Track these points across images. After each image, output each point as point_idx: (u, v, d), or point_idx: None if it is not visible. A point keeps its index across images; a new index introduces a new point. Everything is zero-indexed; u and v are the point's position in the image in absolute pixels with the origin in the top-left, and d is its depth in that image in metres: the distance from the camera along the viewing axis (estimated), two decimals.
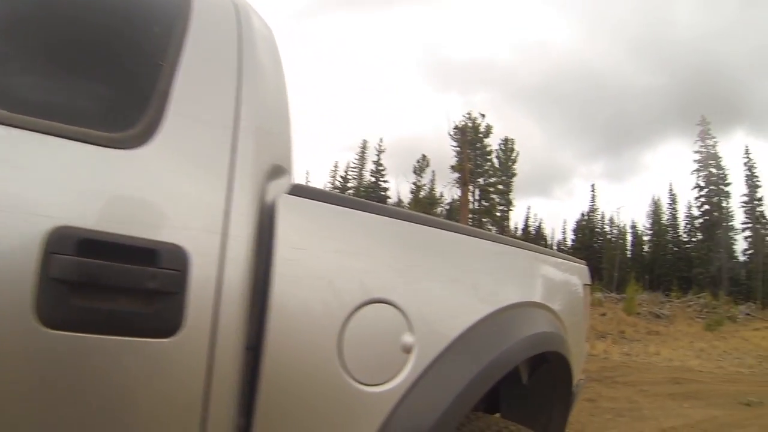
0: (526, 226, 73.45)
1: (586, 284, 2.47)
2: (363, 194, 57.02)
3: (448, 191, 54.03)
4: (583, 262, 2.65)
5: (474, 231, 1.54)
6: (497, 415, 2.09)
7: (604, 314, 21.10)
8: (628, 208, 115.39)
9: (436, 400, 1.18)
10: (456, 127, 41.35)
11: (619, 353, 13.30)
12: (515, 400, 2.05)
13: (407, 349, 1.15)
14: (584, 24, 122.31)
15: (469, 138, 47.58)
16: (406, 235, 1.29)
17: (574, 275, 2.30)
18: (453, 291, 1.35)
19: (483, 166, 52.95)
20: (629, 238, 65.89)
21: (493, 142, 55.28)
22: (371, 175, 61.14)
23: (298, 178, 1.36)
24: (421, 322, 1.19)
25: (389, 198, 57.58)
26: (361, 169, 64.04)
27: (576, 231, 66.27)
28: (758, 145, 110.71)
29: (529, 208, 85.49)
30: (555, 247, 67.93)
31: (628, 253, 63.99)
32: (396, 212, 1.29)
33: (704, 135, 52.32)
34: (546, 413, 2.06)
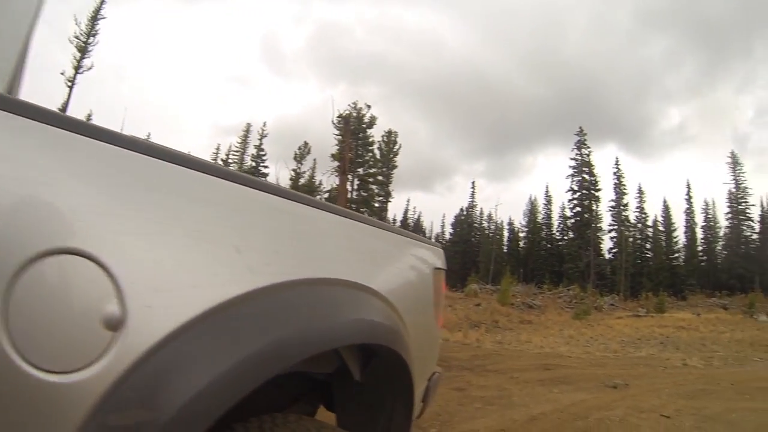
0: (405, 218, 77.80)
1: (439, 269, 2.19)
2: None
3: (327, 179, 53.84)
4: (438, 245, 2.46)
5: (248, 179, 1.10)
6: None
7: (478, 305, 20.94)
8: (505, 206, 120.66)
9: (162, 396, 0.82)
10: (340, 116, 39.45)
11: (491, 342, 13.08)
12: (351, 398, 1.82)
13: (112, 325, 0.78)
14: (479, 30, 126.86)
15: (352, 127, 46.57)
16: (125, 166, 0.87)
17: (424, 258, 2.05)
18: (198, 250, 0.94)
19: (364, 156, 54.14)
20: (506, 234, 71.70)
21: (376, 134, 56.55)
22: (251, 160, 61.35)
23: None
24: (139, 287, 0.81)
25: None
26: (243, 153, 63.19)
27: (455, 225, 70.78)
28: (626, 159, 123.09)
29: (408, 201, 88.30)
30: (433, 239, 70.74)
31: (505, 248, 70.11)
32: (112, 136, 0.86)
33: (580, 144, 58.75)
34: (386, 413, 1.76)
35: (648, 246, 59.89)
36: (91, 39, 37.41)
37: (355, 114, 49.16)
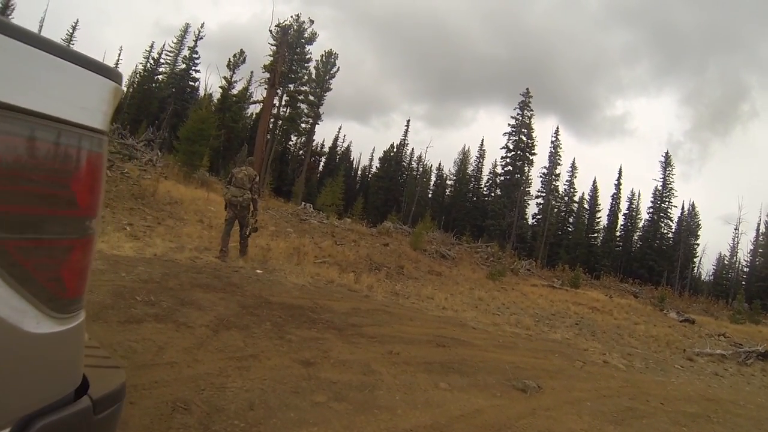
0: (334, 145, 78.87)
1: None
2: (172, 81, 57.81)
3: (256, 90, 54.54)
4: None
5: None
6: None
7: (386, 245, 19.58)
8: (438, 153, 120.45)
9: None
10: (278, 25, 35.90)
11: (386, 292, 11.20)
12: None
13: None
14: None
15: (290, 40, 44.96)
16: None
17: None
18: None
19: (298, 72, 50.51)
20: (433, 179, 72.48)
21: (315, 52, 56.50)
22: (183, 62, 60.15)
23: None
24: None
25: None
26: (177, 55, 61.35)
27: (383, 161, 70.74)
28: (565, 134, 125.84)
29: (340, 128, 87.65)
30: (359, 173, 70.81)
31: (430, 193, 71.19)
32: None
33: (524, 105, 58.90)
34: None
35: (571, 220, 62.77)
36: None
37: (296, 26, 46.52)
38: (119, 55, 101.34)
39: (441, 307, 10.66)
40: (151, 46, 65.23)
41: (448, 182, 70.36)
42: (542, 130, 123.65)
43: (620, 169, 61.90)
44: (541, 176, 60.12)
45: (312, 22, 51.24)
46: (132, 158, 22.01)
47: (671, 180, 59.15)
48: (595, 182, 62.53)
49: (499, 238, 46.59)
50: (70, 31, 65.02)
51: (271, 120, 46.30)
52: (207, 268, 8.60)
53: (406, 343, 6.54)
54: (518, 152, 58.38)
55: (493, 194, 62.30)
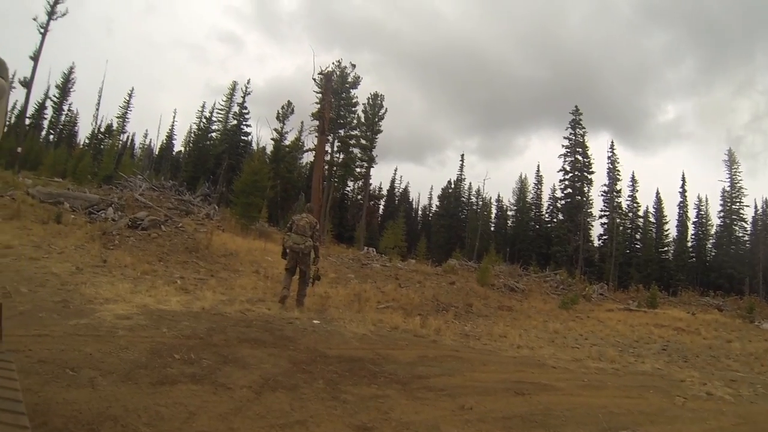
0: (392, 186, 78.51)
1: None
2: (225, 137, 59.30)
3: (307, 139, 53.56)
4: None
5: None
6: None
7: (453, 283, 18.47)
8: (495, 185, 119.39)
9: None
10: (321, 73, 35.98)
11: (455, 334, 10.09)
12: None
13: None
14: (478, 4, 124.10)
15: (335, 86, 44.94)
16: None
17: None
18: None
19: (347, 117, 51.09)
20: (494, 211, 70.90)
21: (362, 96, 56.45)
22: (234, 118, 61.32)
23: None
24: None
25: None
26: (227, 112, 62.73)
27: (441, 198, 70.09)
28: (620, 148, 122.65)
29: (396, 170, 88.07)
30: (419, 213, 70.70)
31: (492, 226, 69.22)
32: None
33: (575, 124, 56.99)
34: None
35: (638, 237, 58.59)
36: None
37: (338, 72, 47.23)
38: (174, 117, 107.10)
39: (515, 346, 9.57)
40: (203, 106, 67.65)
41: (509, 213, 69.01)
42: (597, 147, 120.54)
43: (683, 175, 58.65)
44: (602, 195, 57.06)
45: (354, 66, 50.99)
46: (189, 213, 22.16)
47: (739, 178, 55.33)
48: (658, 193, 59.15)
49: (567, 264, 44.45)
50: (127, 98, 68.58)
51: (326, 167, 46.37)
52: (258, 321, 7.97)
53: (480, 393, 5.72)
54: (576, 173, 55.74)
55: (555, 220, 59.84)
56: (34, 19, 34.50)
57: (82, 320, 6.22)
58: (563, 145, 57.24)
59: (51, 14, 34.99)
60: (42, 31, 34.82)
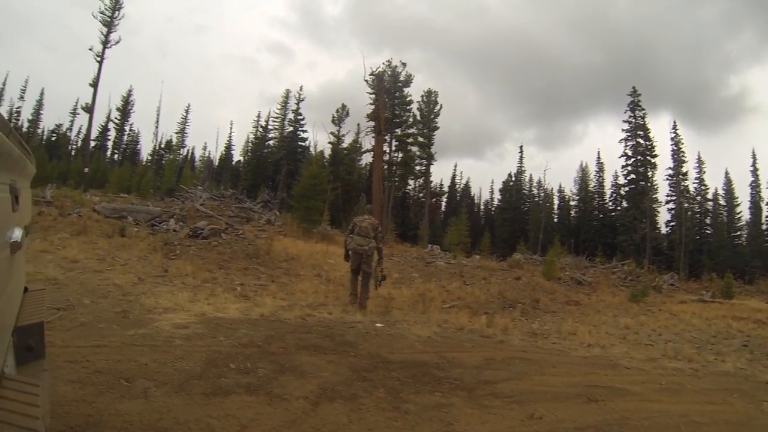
0: (453, 183, 77.54)
1: None
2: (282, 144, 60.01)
3: (364, 140, 56.16)
4: None
5: None
6: None
7: (518, 278, 17.70)
8: (556, 175, 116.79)
9: None
10: (372, 73, 35.89)
11: (523, 333, 9.65)
12: None
13: None
14: None
15: (387, 86, 44.81)
16: None
17: None
18: None
19: (402, 116, 52.27)
20: (556, 202, 68.91)
21: (415, 94, 56.51)
22: (290, 125, 61.62)
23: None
24: None
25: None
26: (283, 119, 64.39)
27: (503, 192, 69.01)
28: (682, 128, 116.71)
29: (456, 166, 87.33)
30: (482, 208, 70.29)
31: (555, 217, 67.24)
32: None
33: (634, 106, 53.86)
34: None
35: (708, 221, 55.23)
36: (116, 13, 37.30)
37: (389, 72, 47.10)
38: (231, 128, 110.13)
39: (585, 345, 9.03)
40: (258, 116, 68.97)
41: (572, 203, 66.94)
42: (658, 129, 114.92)
43: (753, 152, 54.86)
44: (667, 179, 53.62)
45: (404, 64, 50.94)
46: (249, 220, 22.40)
47: None
48: (727, 174, 55.69)
49: (634, 254, 42.33)
50: (184, 114, 71.58)
51: (385, 166, 46.17)
52: (318, 327, 7.78)
53: (550, 400, 5.34)
54: (638, 157, 52.84)
55: (619, 208, 57.35)
56: (90, 49, 36.10)
57: (140, 330, 6.22)
58: (623, 129, 54.26)
59: (105, 43, 36.49)
60: (98, 59, 36.24)
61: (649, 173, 52.70)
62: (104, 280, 9.41)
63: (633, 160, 53.45)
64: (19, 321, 2.05)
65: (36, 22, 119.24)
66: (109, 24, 36.97)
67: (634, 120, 53.66)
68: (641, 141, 53.11)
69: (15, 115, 68.05)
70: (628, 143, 53.89)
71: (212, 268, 12.50)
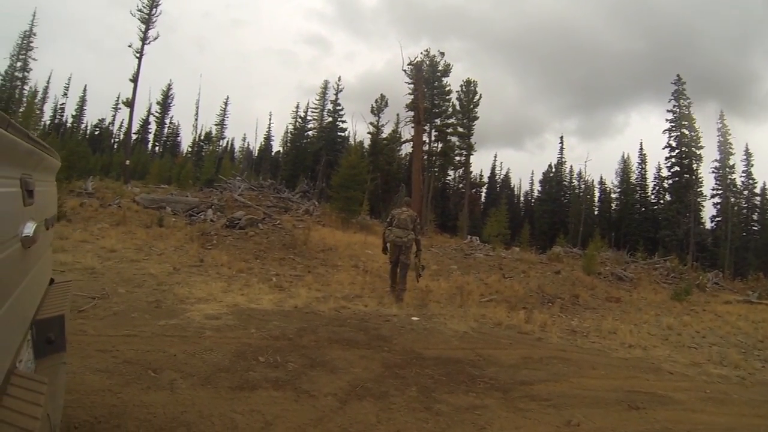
0: (492, 173, 77.23)
1: None
2: (321, 135, 60.54)
3: (403, 130, 55.33)
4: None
5: None
6: None
7: (558, 272, 17.00)
8: (597, 166, 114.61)
9: None
10: (410, 63, 36.34)
11: (561, 330, 9.24)
12: None
13: None
14: None
15: (425, 76, 44.64)
16: None
17: None
18: None
19: (441, 105, 50.90)
20: (597, 194, 67.75)
21: (454, 84, 55.23)
22: (329, 115, 62.11)
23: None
24: None
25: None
26: (322, 110, 65.30)
27: (543, 183, 67.85)
28: (729, 119, 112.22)
29: (495, 157, 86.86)
30: (521, 199, 69.62)
31: (596, 209, 65.92)
32: None
33: (678, 95, 51.98)
34: None
35: (755, 217, 52.74)
36: (154, 10, 38.51)
37: (427, 62, 46.96)
38: (270, 119, 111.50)
39: (626, 345, 8.61)
40: (297, 107, 69.59)
41: (613, 195, 65.47)
42: (703, 119, 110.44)
43: None
44: (713, 171, 51.47)
45: (443, 54, 50.44)
46: (288, 210, 22.44)
47: None
48: None
49: (677, 250, 41.15)
50: (223, 106, 73.49)
51: (425, 157, 46.07)
52: (353, 320, 7.64)
53: (589, 405, 5.06)
54: (683, 148, 50.87)
55: (662, 201, 55.55)
56: (130, 46, 37.42)
57: (171, 321, 6.20)
58: (667, 120, 52.28)
59: (144, 40, 37.62)
60: (137, 55, 37.41)
61: (694, 165, 50.72)
62: (140, 269, 9.49)
63: (677, 151, 51.62)
64: (39, 314, 2.03)
65: (77, 23, 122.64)
66: (147, 21, 38.02)
67: (678, 109, 51.73)
68: (686, 131, 51.23)
69: (59, 111, 70.97)
70: (672, 134, 52.02)
71: (248, 258, 12.51)
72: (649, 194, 59.60)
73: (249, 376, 4.55)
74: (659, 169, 56.98)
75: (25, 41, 59.08)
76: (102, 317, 6.02)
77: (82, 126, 73.08)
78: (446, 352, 6.41)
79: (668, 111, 52.34)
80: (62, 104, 71.28)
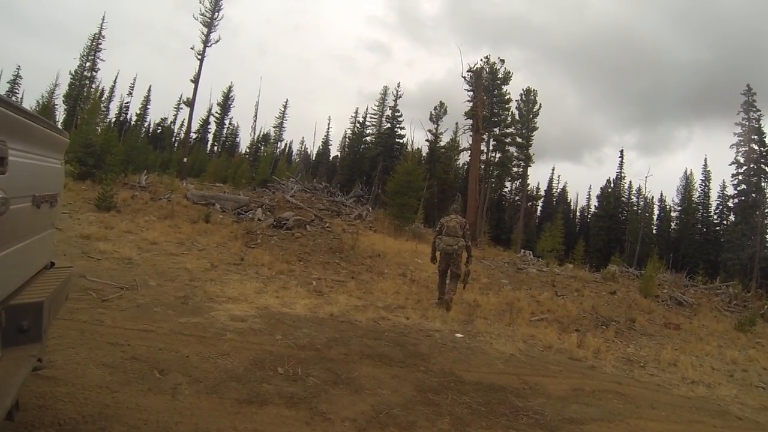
0: (550, 187, 75.59)
1: None
2: (379, 141, 60.31)
3: (462, 139, 54.15)
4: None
5: None
6: None
7: (613, 293, 16.37)
8: (657, 183, 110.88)
9: None
10: (470, 70, 36.11)
11: (616, 359, 8.41)
12: None
13: None
14: None
15: (485, 83, 43.94)
16: None
17: None
18: None
19: (500, 114, 52.29)
20: (656, 212, 65.66)
21: (514, 94, 53.56)
22: (387, 121, 61.58)
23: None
24: None
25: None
26: (380, 116, 64.77)
27: (600, 198, 66.02)
28: None
29: (553, 170, 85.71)
30: (577, 214, 67.98)
31: (654, 228, 63.48)
32: None
33: (748, 106, 48.07)
34: None
35: None
36: (216, 14, 39.34)
37: (487, 69, 46.07)
38: (328, 124, 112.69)
39: (688, 381, 7.70)
40: (356, 112, 70.55)
41: (672, 214, 63.06)
42: None
43: None
44: None
45: (503, 61, 49.00)
46: (340, 214, 22.24)
47: None
48: None
49: (739, 274, 38.69)
50: (282, 109, 74.33)
51: (482, 166, 45.43)
52: (390, 333, 7.12)
53: None
54: (751, 165, 47.12)
55: (725, 222, 53.01)
56: (192, 48, 38.27)
57: (194, 318, 5.96)
58: (735, 133, 48.73)
59: (206, 42, 38.48)
60: (199, 57, 38.26)
61: (763, 183, 47.35)
62: (177, 263, 9.39)
63: (745, 168, 48.18)
64: (13, 298, 1.92)
65: (145, 26, 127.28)
66: (209, 24, 38.93)
67: (747, 122, 48.32)
68: (755, 147, 47.70)
69: (124, 109, 74.50)
70: (740, 149, 48.64)
71: (291, 259, 12.21)
72: (712, 214, 57.18)
73: (262, 388, 4.15)
74: (724, 187, 54.53)
75: (94, 43, 61.76)
76: (124, 308, 5.88)
77: (146, 124, 76.08)
78: (489, 376, 5.80)
79: (736, 124, 48.97)
80: (127, 103, 74.71)
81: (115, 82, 70.35)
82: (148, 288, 7.09)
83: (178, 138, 73.05)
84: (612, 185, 64.28)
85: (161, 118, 78.75)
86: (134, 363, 4.19)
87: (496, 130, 51.74)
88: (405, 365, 5.56)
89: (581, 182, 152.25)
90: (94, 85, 61.50)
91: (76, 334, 4.72)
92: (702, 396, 7.03)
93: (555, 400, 5.32)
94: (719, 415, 6.19)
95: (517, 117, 53.07)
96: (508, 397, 5.07)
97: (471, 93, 38.92)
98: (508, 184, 61.16)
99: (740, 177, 48.41)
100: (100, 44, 62.04)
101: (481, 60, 46.16)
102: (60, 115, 58.66)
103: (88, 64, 61.26)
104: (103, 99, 61.70)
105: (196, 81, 37.96)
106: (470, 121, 38.05)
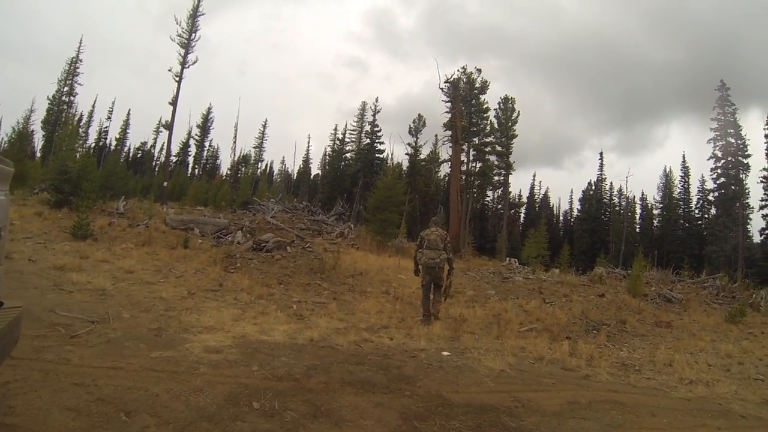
0: (531, 193, 76.51)
1: None
2: (359, 157, 60.94)
3: (442, 150, 54.88)
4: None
5: None
6: None
7: (602, 295, 16.20)
8: (637, 182, 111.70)
9: None
10: (447, 81, 36.19)
11: (611, 364, 8.17)
12: None
13: None
14: None
15: (463, 93, 44.20)
16: None
17: None
18: None
19: (479, 124, 52.96)
20: (638, 211, 66.65)
21: (492, 103, 55.08)
22: (366, 137, 62.56)
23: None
24: None
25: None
26: (360, 132, 65.70)
27: (582, 201, 67.42)
28: None
29: (534, 176, 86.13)
30: (561, 219, 68.40)
31: (637, 227, 64.58)
32: None
33: (723, 102, 49.62)
34: None
35: None
36: (193, 35, 39.45)
37: (464, 79, 46.35)
38: (308, 142, 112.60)
39: (686, 381, 7.48)
40: (335, 129, 71.21)
41: (654, 211, 64.26)
42: (749, 127, 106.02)
43: None
44: (761, 181, 47.46)
45: (479, 71, 49.80)
46: (321, 233, 22.00)
47: None
48: None
49: (724, 266, 38.88)
50: (261, 129, 75.11)
51: (463, 177, 45.64)
52: (373, 356, 6.84)
53: None
54: (729, 158, 48.37)
55: (707, 215, 54.13)
56: (170, 70, 38.36)
57: (166, 352, 5.69)
58: (711, 129, 49.91)
59: (183, 64, 38.42)
60: (177, 79, 38.31)
61: (741, 175, 48.29)
62: (152, 292, 9.20)
63: (723, 161, 49.40)
64: None
65: (124, 49, 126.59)
66: (186, 45, 38.94)
67: (723, 117, 49.40)
68: (732, 140, 48.88)
69: (103, 134, 74.36)
70: (717, 143, 49.80)
71: (271, 282, 12.00)
72: (693, 209, 58.12)
73: (235, 427, 3.88)
74: (703, 181, 55.57)
75: (71, 66, 61.81)
76: (93, 345, 5.64)
77: (125, 148, 76.23)
78: (478, 396, 5.52)
79: (712, 119, 50.17)
80: (106, 127, 74.84)
81: (93, 106, 70.32)
82: (120, 320, 6.87)
83: (158, 162, 73.06)
84: (593, 188, 65.43)
85: (141, 142, 79.18)
86: (100, 405, 3.96)
87: (476, 139, 52.37)
88: (389, 391, 5.28)
89: (563, 187, 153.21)
90: (72, 110, 61.61)
91: (40, 375, 4.49)
92: (702, 396, 6.85)
93: (550, 417, 5.05)
94: (722, 416, 6.00)
95: (496, 126, 53.73)
96: (500, 417, 4.80)
97: (449, 104, 39.34)
98: (489, 193, 62.20)
99: (719, 170, 49.35)
100: (78, 68, 62.20)
101: (458, 70, 46.29)
102: (38, 141, 58.30)
103: (66, 88, 61.31)
104: (81, 124, 62.13)
105: (174, 103, 38.03)
106: (449, 133, 38.36)
